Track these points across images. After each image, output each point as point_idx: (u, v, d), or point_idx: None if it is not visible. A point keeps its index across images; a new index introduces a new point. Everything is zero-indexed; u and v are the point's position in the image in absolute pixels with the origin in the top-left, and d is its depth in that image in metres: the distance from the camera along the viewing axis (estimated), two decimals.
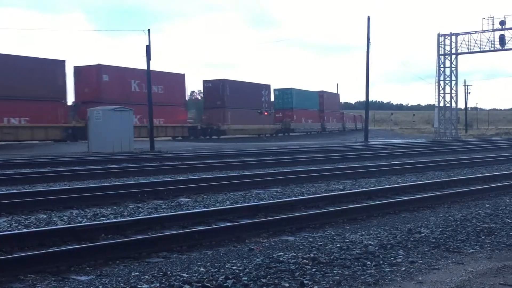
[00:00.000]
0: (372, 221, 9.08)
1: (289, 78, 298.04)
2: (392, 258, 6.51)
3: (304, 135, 64.85)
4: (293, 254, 6.56)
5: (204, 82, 55.52)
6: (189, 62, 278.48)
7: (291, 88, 64.85)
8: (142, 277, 5.64)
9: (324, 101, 71.52)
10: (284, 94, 63.31)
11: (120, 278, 5.62)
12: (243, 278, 5.56)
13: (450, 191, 12.35)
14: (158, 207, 10.42)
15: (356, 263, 6.23)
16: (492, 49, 51.41)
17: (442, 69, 54.39)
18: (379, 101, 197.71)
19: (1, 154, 28.08)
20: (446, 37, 54.09)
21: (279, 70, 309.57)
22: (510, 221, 9.05)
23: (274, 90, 64.59)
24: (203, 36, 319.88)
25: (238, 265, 6.07)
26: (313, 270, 5.91)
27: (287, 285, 5.38)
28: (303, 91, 68.30)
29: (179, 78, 49.94)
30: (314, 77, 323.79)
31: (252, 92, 56.69)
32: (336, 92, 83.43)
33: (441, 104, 55.19)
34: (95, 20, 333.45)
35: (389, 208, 10.11)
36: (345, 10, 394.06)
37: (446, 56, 54.27)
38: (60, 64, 38.18)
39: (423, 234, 7.79)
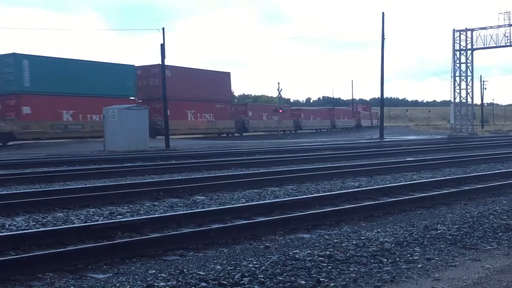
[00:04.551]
0: (388, 218, 9.04)
1: (301, 76, 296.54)
2: (409, 255, 6.48)
3: None
4: (309, 251, 6.56)
5: None
6: (201, 59, 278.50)
7: (23, 53, 34.73)
8: (159, 275, 5.67)
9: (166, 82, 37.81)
10: (6, 66, 31.65)
11: (137, 276, 5.66)
12: (259, 276, 5.56)
13: (467, 188, 12.27)
14: (174, 205, 10.46)
15: (372, 260, 6.20)
16: (509, 44, 51.00)
17: (458, 64, 54.03)
18: (394, 98, 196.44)
19: (18, 153, 28.36)
20: (461, 32, 53.71)
21: (292, 67, 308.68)
22: None
23: None
24: (215, 34, 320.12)
25: (254, 262, 6.08)
26: (329, 267, 5.90)
27: (303, 282, 5.38)
28: (65, 60, 37.67)
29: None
30: (328, 74, 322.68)
31: None
32: (221, 71, 53.74)
33: (457, 100, 54.84)
34: (108, 19, 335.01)
35: (405, 205, 10.07)
36: (359, 6, 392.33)
37: (462, 52, 53.88)
38: None
39: (439, 231, 7.74)
